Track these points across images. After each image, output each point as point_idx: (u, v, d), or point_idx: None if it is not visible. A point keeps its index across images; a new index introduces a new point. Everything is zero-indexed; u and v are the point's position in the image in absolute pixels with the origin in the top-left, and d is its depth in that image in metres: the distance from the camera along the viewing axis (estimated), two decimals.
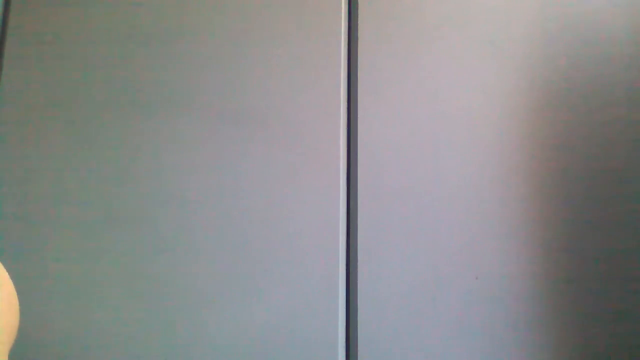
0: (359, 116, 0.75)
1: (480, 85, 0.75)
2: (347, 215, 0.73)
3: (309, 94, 0.75)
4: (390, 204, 0.72)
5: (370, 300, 0.69)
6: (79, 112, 0.81)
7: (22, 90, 0.83)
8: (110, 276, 0.72)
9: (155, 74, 0.80)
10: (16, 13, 0.84)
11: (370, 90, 0.75)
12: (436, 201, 0.72)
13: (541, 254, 0.70)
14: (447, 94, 0.75)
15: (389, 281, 0.70)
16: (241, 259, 0.71)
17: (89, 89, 0.82)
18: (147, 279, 0.71)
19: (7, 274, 0.35)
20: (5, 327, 0.34)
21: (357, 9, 0.78)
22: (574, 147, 0.72)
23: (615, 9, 0.74)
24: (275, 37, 0.78)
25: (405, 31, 0.77)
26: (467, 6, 0.77)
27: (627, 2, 0.75)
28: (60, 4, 0.85)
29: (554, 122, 0.73)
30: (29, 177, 0.80)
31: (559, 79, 0.74)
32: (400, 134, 0.74)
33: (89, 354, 0.70)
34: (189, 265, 0.71)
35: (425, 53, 0.76)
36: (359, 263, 0.71)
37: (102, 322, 0.70)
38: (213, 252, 0.71)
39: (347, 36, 0.78)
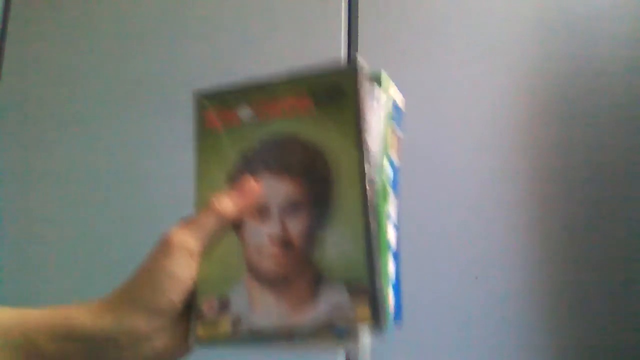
0: None
1: (480, 86, 0.75)
2: None
3: None
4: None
5: None
6: (78, 112, 0.81)
7: (22, 90, 0.83)
8: (110, 275, 0.72)
9: (155, 73, 0.80)
10: (16, 13, 0.84)
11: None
12: (436, 201, 0.72)
13: (541, 254, 0.70)
14: (447, 94, 0.75)
15: None
16: None
17: (89, 89, 0.82)
18: None
19: None
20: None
21: (357, 9, 0.78)
22: (574, 149, 0.72)
23: (615, 9, 0.74)
24: (275, 36, 0.78)
25: (405, 31, 0.77)
26: (467, 7, 0.77)
27: (627, 2, 0.75)
28: (60, 5, 0.85)
29: (554, 123, 0.73)
30: (29, 177, 0.80)
31: (559, 80, 0.74)
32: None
33: None
34: None
35: (425, 53, 0.76)
36: None
37: None
38: None
39: (347, 36, 0.78)
